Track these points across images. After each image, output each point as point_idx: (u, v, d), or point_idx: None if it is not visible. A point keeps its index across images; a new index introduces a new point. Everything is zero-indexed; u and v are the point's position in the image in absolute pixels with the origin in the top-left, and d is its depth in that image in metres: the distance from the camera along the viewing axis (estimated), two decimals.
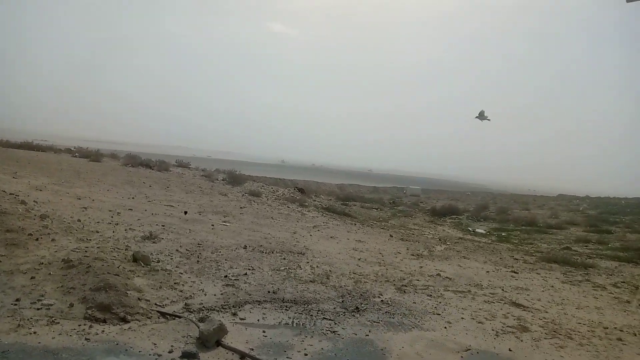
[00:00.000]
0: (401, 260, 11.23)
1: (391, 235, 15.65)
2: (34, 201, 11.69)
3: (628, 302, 8.98)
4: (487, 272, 10.79)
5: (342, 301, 7.19)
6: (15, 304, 5.19)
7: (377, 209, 27.74)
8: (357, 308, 6.89)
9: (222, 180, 27.31)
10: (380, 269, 9.88)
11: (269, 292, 7.17)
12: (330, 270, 9.10)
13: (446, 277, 9.71)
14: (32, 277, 6.02)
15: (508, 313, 7.44)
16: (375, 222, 20.24)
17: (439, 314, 7.07)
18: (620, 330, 7.04)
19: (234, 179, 27.19)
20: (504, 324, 6.87)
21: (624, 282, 10.80)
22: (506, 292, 8.91)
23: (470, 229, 21.87)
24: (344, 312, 6.65)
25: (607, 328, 7.12)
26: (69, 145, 41.62)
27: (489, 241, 17.76)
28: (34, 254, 7.01)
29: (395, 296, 7.82)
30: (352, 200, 30.18)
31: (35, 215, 9.77)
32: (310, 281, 8.12)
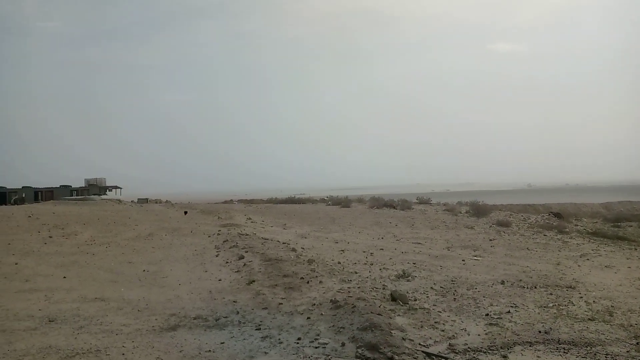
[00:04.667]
0: None
1: None
2: (301, 248, 13.33)
3: None
4: None
5: (638, 343, 5.96)
6: (297, 342, 5.82)
7: None
8: None
9: (466, 212, 26.55)
10: None
11: (539, 332, 6.42)
12: (612, 306, 7.71)
13: None
14: (308, 318, 6.72)
15: None
16: None
17: None
18: None
19: (478, 210, 26.12)
20: None
21: None
22: None
23: None
24: None
25: None
26: (322, 196, 47.08)
27: None
28: (307, 296, 7.87)
29: None
30: (626, 221, 25.51)
31: (303, 260, 11.10)
32: (589, 319, 7.00)
